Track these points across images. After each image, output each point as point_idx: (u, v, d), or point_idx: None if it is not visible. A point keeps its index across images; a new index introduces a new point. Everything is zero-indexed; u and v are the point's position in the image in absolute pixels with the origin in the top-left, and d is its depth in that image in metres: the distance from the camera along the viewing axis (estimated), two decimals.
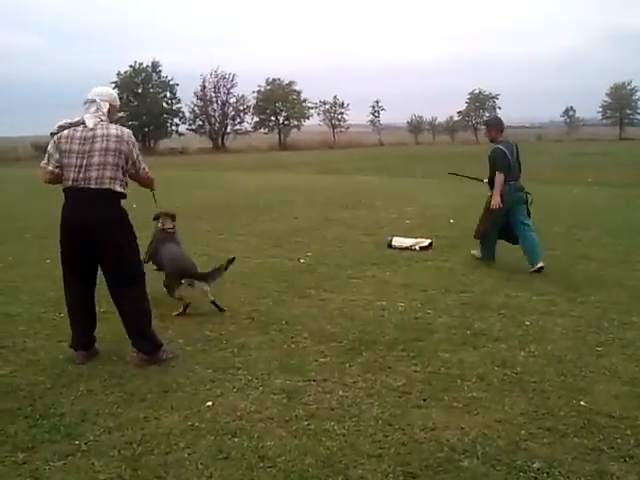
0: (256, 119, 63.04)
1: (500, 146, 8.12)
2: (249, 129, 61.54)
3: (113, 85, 53.66)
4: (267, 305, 6.63)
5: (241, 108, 59.80)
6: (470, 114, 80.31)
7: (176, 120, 56.89)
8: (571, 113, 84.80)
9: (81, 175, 4.75)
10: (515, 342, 5.50)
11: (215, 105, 58.20)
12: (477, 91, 79.82)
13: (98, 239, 4.80)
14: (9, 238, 10.78)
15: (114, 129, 4.85)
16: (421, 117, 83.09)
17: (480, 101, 79.51)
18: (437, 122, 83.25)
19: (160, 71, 55.33)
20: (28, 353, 5.30)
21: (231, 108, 58.80)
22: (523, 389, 4.51)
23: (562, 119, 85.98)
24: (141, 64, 54.40)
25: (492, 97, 79.69)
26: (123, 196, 4.95)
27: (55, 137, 4.86)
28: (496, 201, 7.94)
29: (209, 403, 4.32)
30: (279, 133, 63.01)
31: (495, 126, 8.34)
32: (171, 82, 55.75)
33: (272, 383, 4.65)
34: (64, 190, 4.88)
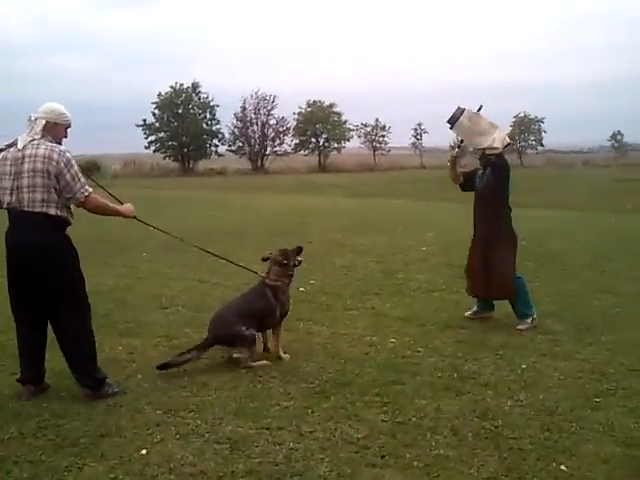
0: (296, 141, 62.96)
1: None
2: (289, 151, 61.45)
3: (154, 106, 54.25)
4: None
5: (281, 129, 59.75)
6: (515, 138, 78.97)
7: (215, 141, 57.12)
8: (619, 137, 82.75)
9: (14, 198, 4.49)
10: (504, 388, 4.96)
11: (255, 126, 58.21)
12: (522, 114, 78.53)
13: (34, 265, 4.51)
14: None
15: (43, 148, 4.49)
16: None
17: (525, 125, 78.13)
18: None
19: (200, 92, 55.65)
20: None
21: (271, 129, 58.75)
22: (498, 446, 3.98)
23: (609, 144, 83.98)
24: (181, 85, 54.72)
25: (537, 121, 78.25)
26: (61, 220, 4.59)
27: None
28: None
29: (143, 451, 3.92)
30: (319, 155, 62.79)
31: None
32: (211, 103, 56.06)
33: (221, 430, 4.21)
34: (6, 212, 4.62)
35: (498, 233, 6.60)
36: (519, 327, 6.57)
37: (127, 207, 5.09)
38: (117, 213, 5.00)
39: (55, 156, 4.49)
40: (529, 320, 6.61)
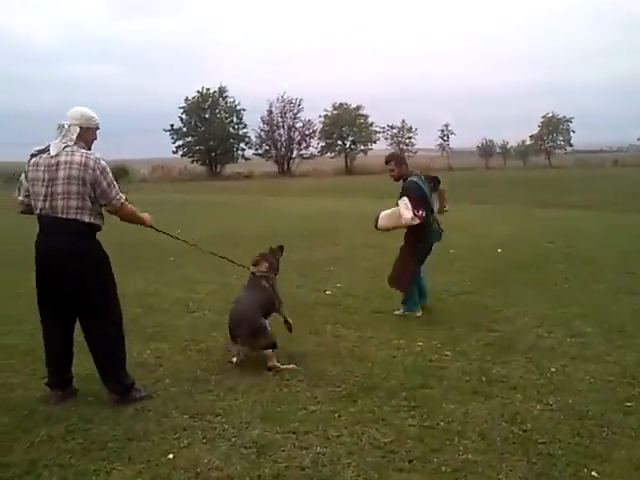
0: (322, 143, 63.16)
1: (414, 179, 7.52)
2: (315, 153, 61.67)
3: (181, 110, 54.71)
4: None
5: (307, 132, 60.05)
6: (543, 138, 78.19)
7: (242, 145, 57.57)
8: None
9: (47, 204, 4.50)
10: (533, 392, 4.89)
11: (281, 130, 58.63)
12: (550, 115, 77.74)
13: (68, 270, 4.53)
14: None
15: (79, 156, 4.48)
16: (492, 141, 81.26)
17: (553, 125, 77.29)
18: (509, 146, 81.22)
19: (227, 96, 56.22)
20: (6, 390, 5.06)
21: (297, 132, 59.11)
22: (527, 451, 3.92)
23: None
24: (208, 89, 55.38)
25: (566, 120, 77.38)
26: (94, 227, 4.62)
27: (26, 166, 4.63)
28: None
29: (170, 456, 3.92)
30: (345, 157, 62.85)
31: (402, 161, 7.85)
32: (238, 107, 56.53)
33: (247, 434, 4.21)
34: (37, 218, 4.64)
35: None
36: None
37: (147, 216, 5.14)
38: (141, 221, 5.07)
39: (91, 163, 4.49)
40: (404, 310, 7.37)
